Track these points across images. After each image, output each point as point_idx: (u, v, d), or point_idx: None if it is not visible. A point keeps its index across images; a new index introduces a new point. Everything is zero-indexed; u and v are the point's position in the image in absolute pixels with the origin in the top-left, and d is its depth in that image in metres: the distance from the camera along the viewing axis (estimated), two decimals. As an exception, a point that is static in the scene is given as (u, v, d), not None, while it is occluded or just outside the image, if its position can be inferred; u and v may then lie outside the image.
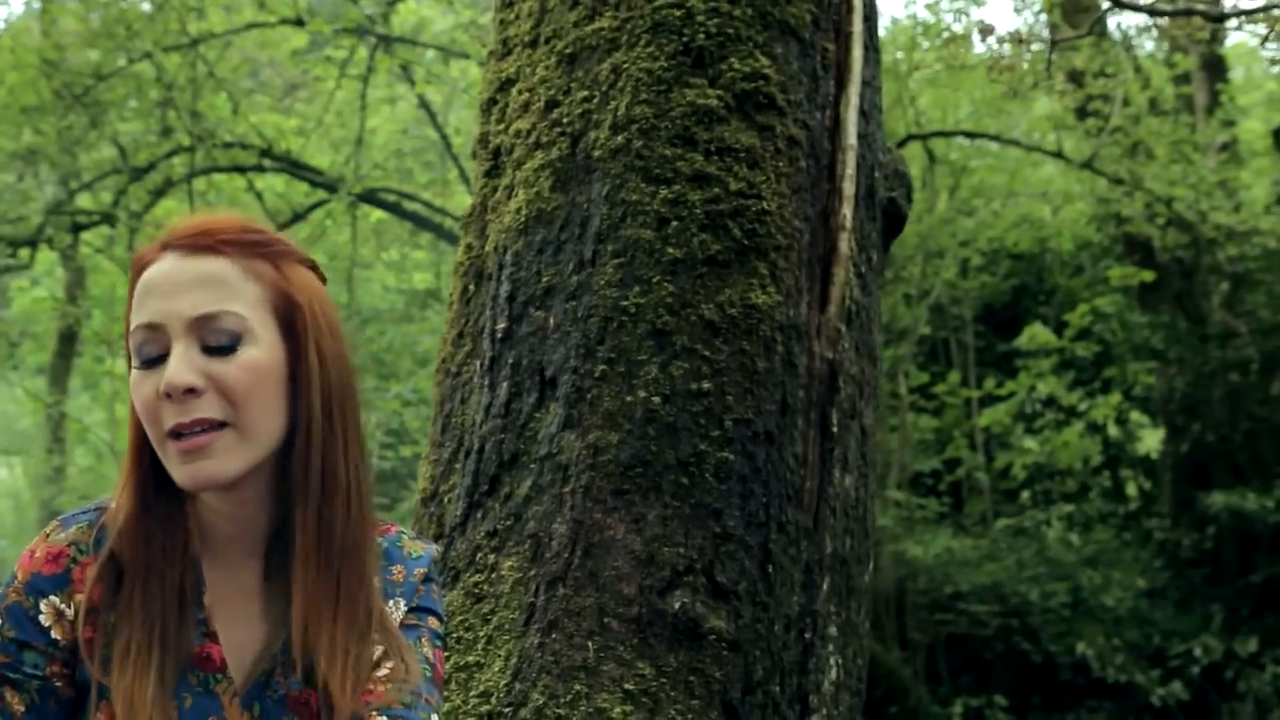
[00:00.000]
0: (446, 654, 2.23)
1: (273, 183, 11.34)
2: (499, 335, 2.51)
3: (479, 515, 2.41)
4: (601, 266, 2.44)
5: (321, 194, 10.58)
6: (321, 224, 11.05)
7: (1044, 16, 11.20)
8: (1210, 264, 11.84)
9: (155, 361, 1.45)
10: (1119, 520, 12.54)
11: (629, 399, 2.35)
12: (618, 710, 2.16)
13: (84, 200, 10.20)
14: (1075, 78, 10.38)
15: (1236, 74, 14.76)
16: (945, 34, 10.07)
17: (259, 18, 9.85)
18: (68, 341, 11.42)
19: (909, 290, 11.81)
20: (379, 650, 1.53)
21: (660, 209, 2.45)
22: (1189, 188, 10.20)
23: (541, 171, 2.57)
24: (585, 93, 2.57)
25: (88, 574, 1.49)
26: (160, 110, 9.66)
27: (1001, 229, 11.91)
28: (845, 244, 2.59)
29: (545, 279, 2.49)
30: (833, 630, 2.48)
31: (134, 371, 1.47)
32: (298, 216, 10.78)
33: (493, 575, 2.33)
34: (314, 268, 1.58)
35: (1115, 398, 12.03)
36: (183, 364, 1.42)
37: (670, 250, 2.42)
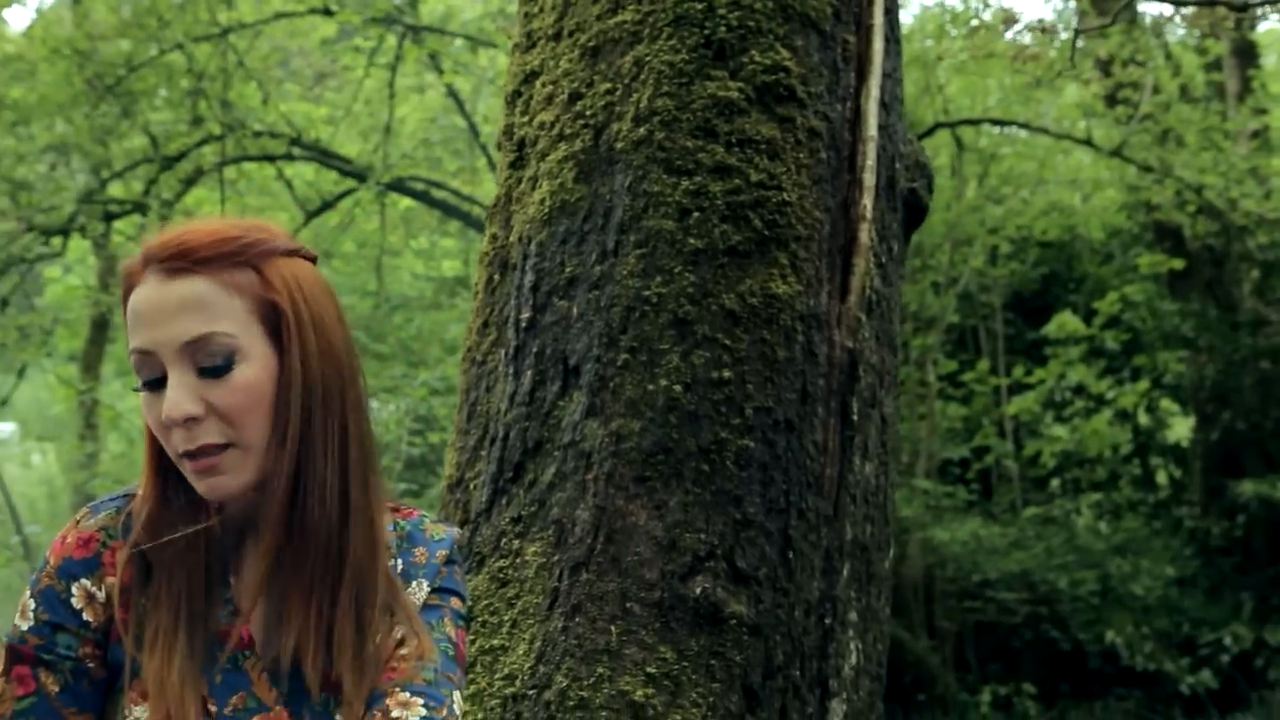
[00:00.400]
0: (471, 636, 2.28)
1: (302, 171, 11.41)
2: (523, 324, 2.55)
3: (504, 501, 2.45)
4: (624, 257, 2.47)
5: (351, 182, 10.64)
6: (350, 212, 11.11)
7: (1073, 4, 11.17)
8: (1241, 251, 11.79)
9: (155, 384, 1.48)
10: (1149, 508, 12.51)
11: (651, 387, 2.38)
12: (640, 693, 2.20)
13: (115, 189, 10.27)
14: (1104, 65, 10.34)
15: (1268, 60, 14.66)
16: (974, 22, 10.05)
17: (288, 7, 9.90)
18: (100, 329, 11.52)
19: (937, 278, 11.79)
20: (400, 631, 1.56)
21: (682, 200, 2.48)
22: (1219, 175, 10.15)
23: (565, 163, 2.60)
24: (608, 85, 2.60)
25: (118, 558, 1.53)
26: (191, 100, 9.72)
27: (1030, 217, 11.87)
28: (866, 234, 2.62)
29: (569, 269, 2.53)
30: (853, 616, 2.51)
31: (141, 391, 1.50)
32: (327, 205, 10.83)
33: (517, 560, 2.37)
34: (299, 252, 1.57)
35: (1143, 384, 11.99)
36: (180, 393, 1.45)
37: (692, 241, 2.46)
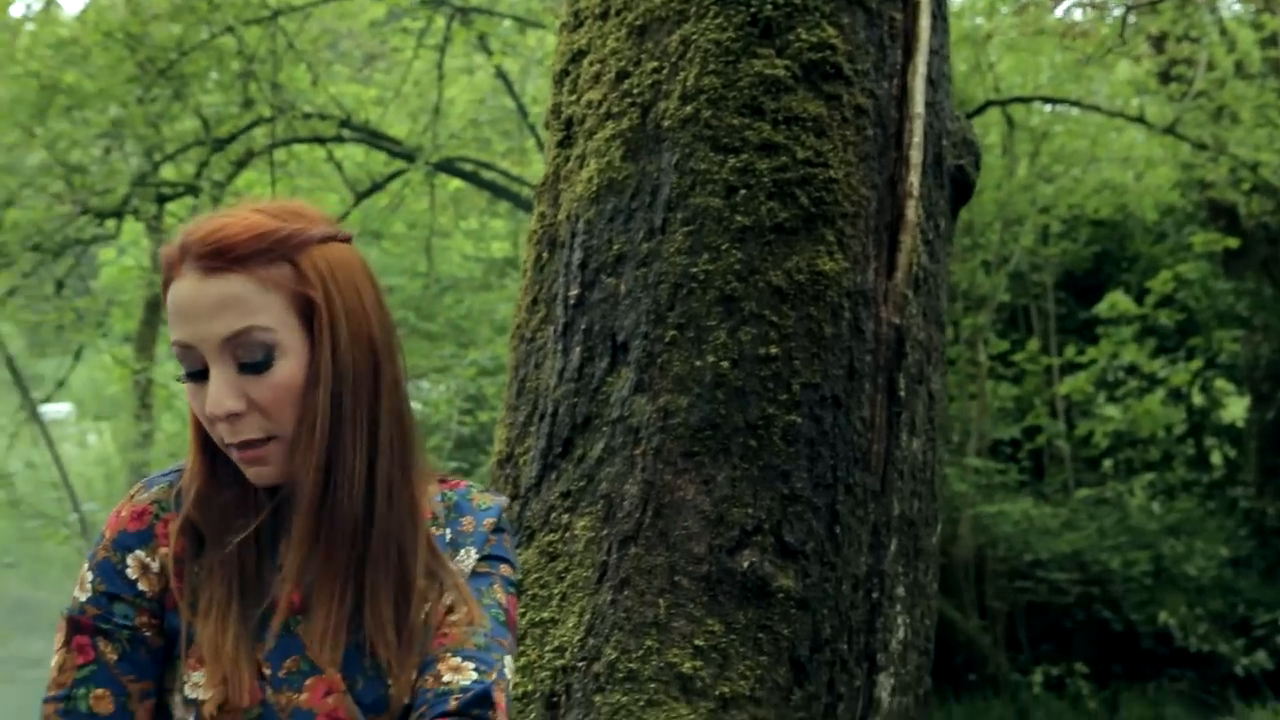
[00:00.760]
0: (521, 609, 2.31)
1: (352, 153, 11.46)
2: (571, 301, 2.57)
3: (553, 477, 2.48)
4: (671, 234, 2.49)
5: (400, 164, 10.68)
6: (400, 193, 11.16)
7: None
8: (1297, 229, 11.66)
9: (198, 375, 1.51)
10: (1203, 489, 12.41)
11: (698, 363, 2.40)
12: (688, 665, 2.22)
13: (168, 172, 10.36)
14: (1157, 41, 10.24)
15: (1326, 35, 14.43)
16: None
17: (337, -10, 9.94)
18: (153, 310, 11.63)
19: (988, 257, 11.72)
20: (449, 598, 1.59)
21: (729, 177, 2.49)
22: (1275, 152, 10.03)
23: (612, 141, 2.62)
24: (655, 64, 2.61)
25: (170, 529, 1.56)
26: (241, 82, 9.79)
27: (1082, 195, 11.76)
28: (913, 211, 2.62)
29: (616, 246, 2.54)
30: (900, 591, 2.52)
31: (184, 381, 1.53)
32: (376, 186, 10.88)
33: (566, 535, 2.40)
34: (334, 237, 1.58)
35: (1197, 363, 11.88)
36: (221, 389, 1.48)
37: (739, 218, 2.47)
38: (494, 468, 2.67)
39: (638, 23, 2.66)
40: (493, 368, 8.84)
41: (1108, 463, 12.97)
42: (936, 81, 2.76)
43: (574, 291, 2.57)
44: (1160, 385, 12.12)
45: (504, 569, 1.67)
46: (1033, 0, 9.30)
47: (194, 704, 1.52)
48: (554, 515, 2.44)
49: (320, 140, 10.33)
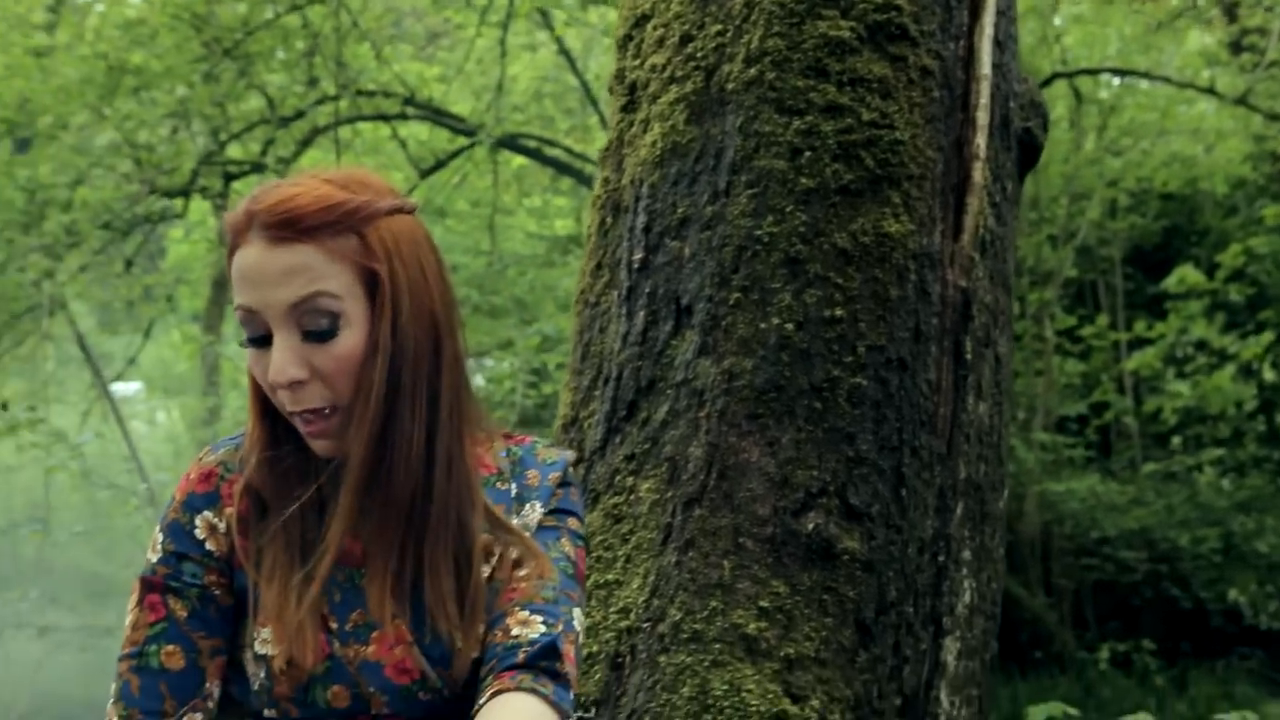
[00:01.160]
0: (586, 569, 2.32)
1: (416, 130, 11.51)
2: (636, 265, 2.57)
3: (617, 440, 2.48)
4: (735, 197, 2.48)
5: (464, 141, 10.71)
6: (463, 169, 11.19)
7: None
8: (1371, 202, 11.44)
9: (260, 341, 1.52)
10: (1274, 465, 12.22)
11: (763, 326, 2.39)
12: (753, 626, 2.22)
13: (234, 150, 10.46)
14: (1229, 9, 10.08)
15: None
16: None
17: (401, -32, 9.97)
18: (220, 289, 11.76)
19: (1054, 231, 11.60)
20: (515, 553, 1.60)
21: (793, 139, 2.48)
22: (1350, 123, 9.86)
23: (676, 105, 2.61)
24: (719, 27, 2.60)
25: (235, 489, 1.59)
26: (306, 61, 9.85)
27: (1151, 168, 11.61)
28: (979, 173, 2.60)
29: (680, 210, 2.54)
30: (966, 555, 2.51)
31: (246, 346, 1.54)
32: (440, 164, 10.92)
33: (631, 497, 2.40)
34: (402, 209, 1.58)
35: (1267, 337, 11.69)
36: (286, 356, 1.49)
37: (803, 180, 2.46)
38: (558, 432, 2.68)
39: (701, -14, 2.65)
40: (556, 339, 8.86)
41: (1176, 439, 12.81)
42: (1003, 43, 2.73)
43: (638, 255, 2.57)
44: (1230, 361, 11.95)
45: (571, 522, 1.68)
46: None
47: (264, 660, 1.54)
48: (618, 478, 2.44)
49: (384, 118, 10.39)
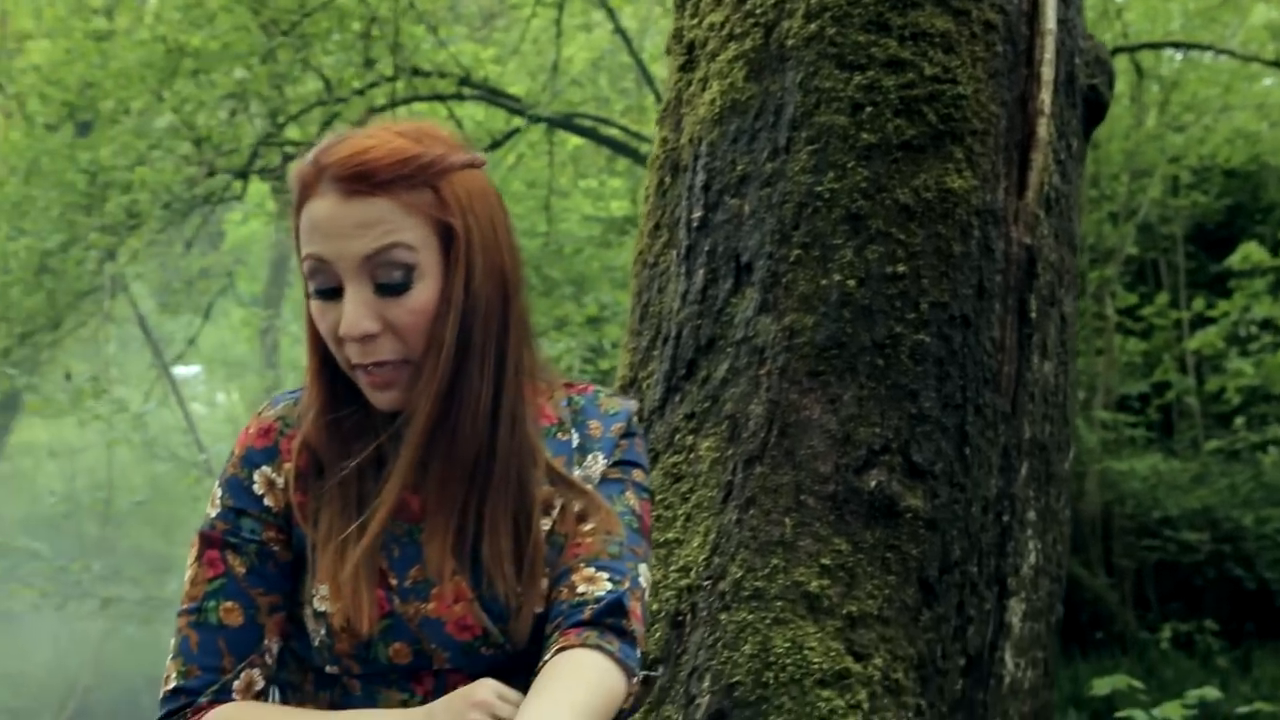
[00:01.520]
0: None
1: (472, 111, 11.52)
2: (695, 224, 2.55)
3: (677, 399, 2.46)
4: (795, 153, 2.45)
5: (520, 121, 10.71)
6: (519, 149, 11.19)
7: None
8: None
9: (329, 293, 1.49)
10: (1340, 444, 12.05)
11: (824, 282, 2.36)
12: (815, 584, 2.19)
13: (291, 132, 10.50)
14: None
15: None
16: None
17: (457, -51, 9.97)
18: (278, 269, 11.84)
19: (1115, 209, 11.46)
20: (578, 507, 1.58)
21: (854, 95, 2.45)
22: None
23: (735, 62, 2.59)
24: (778, -19, 2.57)
25: (294, 444, 1.57)
26: (362, 42, 9.87)
27: (1214, 144, 11.44)
28: (1044, 129, 2.55)
29: (740, 167, 2.51)
30: (1031, 515, 2.47)
31: (312, 299, 1.52)
32: (496, 144, 10.93)
33: (691, 455, 2.38)
34: (473, 163, 1.56)
35: (1329, 313, 11.51)
36: (359, 309, 1.47)
37: (865, 135, 2.42)
38: (617, 392, 2.67)
39: (760, -61, 2.62)
40: (614, 309, 8.84)
41: (1239, 419, 12.64)
42: (1068, -3, 2.69)
43: (697, 214, 2.55)
44: (1296, 339, 11.77)
45: (636, 474, 1.66)
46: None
47: (323, 617, 1.52)
48: (678, 437, 2.42)
49: (440, 98, 10.39)
